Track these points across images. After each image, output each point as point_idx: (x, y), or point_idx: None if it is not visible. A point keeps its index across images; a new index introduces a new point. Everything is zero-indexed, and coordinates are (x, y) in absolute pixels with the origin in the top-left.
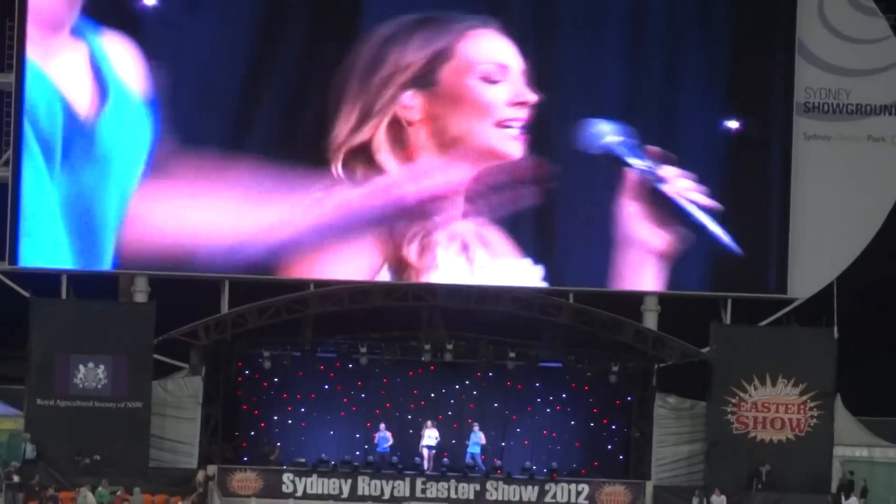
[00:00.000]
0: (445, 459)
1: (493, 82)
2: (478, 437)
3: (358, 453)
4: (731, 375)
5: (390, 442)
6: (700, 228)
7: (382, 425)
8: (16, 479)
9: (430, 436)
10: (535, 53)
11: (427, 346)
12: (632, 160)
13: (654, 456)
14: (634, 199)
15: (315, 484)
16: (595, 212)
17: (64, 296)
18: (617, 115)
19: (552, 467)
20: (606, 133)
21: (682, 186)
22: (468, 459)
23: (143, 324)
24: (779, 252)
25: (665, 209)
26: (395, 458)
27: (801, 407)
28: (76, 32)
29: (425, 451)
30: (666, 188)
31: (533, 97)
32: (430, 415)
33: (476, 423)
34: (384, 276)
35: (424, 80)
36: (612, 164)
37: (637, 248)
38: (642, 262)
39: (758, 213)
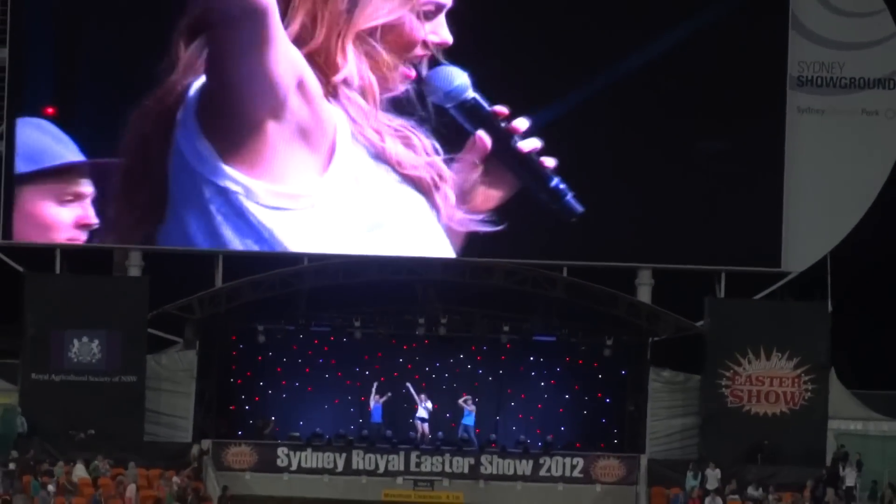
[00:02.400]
0: (440, 433)
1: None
2: (470, 409)
3: (352, 427)
4: (726, 349)
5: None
6: (543, 182)
7: (377, 396)
8: (12, 466)
9: (425, 408)
10: None
11: (421, 320)
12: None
13: (648, 429)
14: (476, 159)
15: (309, 458)
16: None
17: (58, 270)
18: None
19: (546, 441)
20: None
21: (530, 145)
22: (461, 433)
23: (137, 298)
24: (773, 225)
25: (506, 166)
26: (389, 432)
27: (796, 380)
28: None
29: (419, 424)
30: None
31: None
32: (424, 388)
33: (469, 396)
34: None
35: None
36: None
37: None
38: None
39: (751, 186)
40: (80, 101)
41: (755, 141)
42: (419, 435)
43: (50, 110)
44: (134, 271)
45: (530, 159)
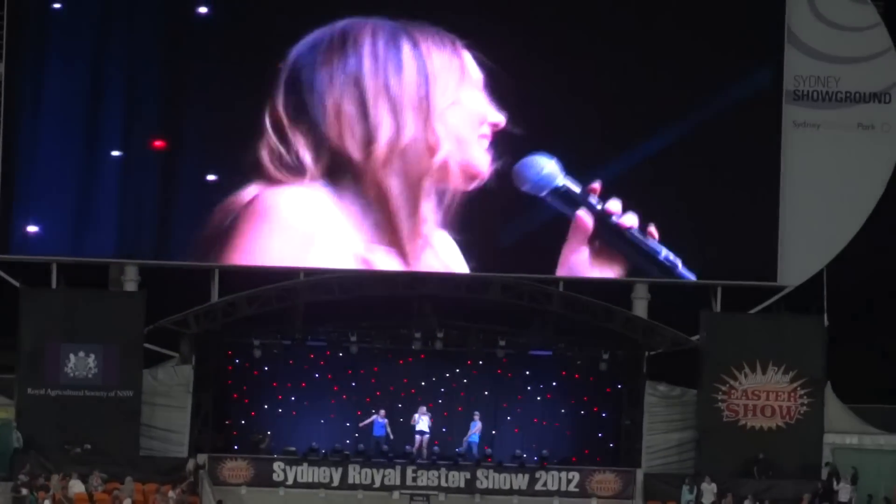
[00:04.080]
0: (436, 447)
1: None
2: (477, 427)
3: (348, 442)
4: (722, 363)
5: (387, 430)
6: (653, 257)
7: (382, 412)
8: (24, 492)
9: (423, 421)
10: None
11: (417, 335)
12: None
13: (644, 444)
14: (582, 242)
15: (306, 472)
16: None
17: (54, 285)
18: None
19: (542, 455)
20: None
21: (629, 221)
22: (465, 448)
23: (133, 313)
24: (769, 240)
25: (613, 246)
26: (385, 446)
27: (792, 394)
28: None
29: (418, 437)
30: (617, 222)
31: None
32: (422, 402)
33: (476, 413)
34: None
35: None
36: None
37: None
38: None
39: (747, 201)
40: None
41: (751, 155)
42: (416, 448)
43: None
44: (130, 286)
45: (634, 235)
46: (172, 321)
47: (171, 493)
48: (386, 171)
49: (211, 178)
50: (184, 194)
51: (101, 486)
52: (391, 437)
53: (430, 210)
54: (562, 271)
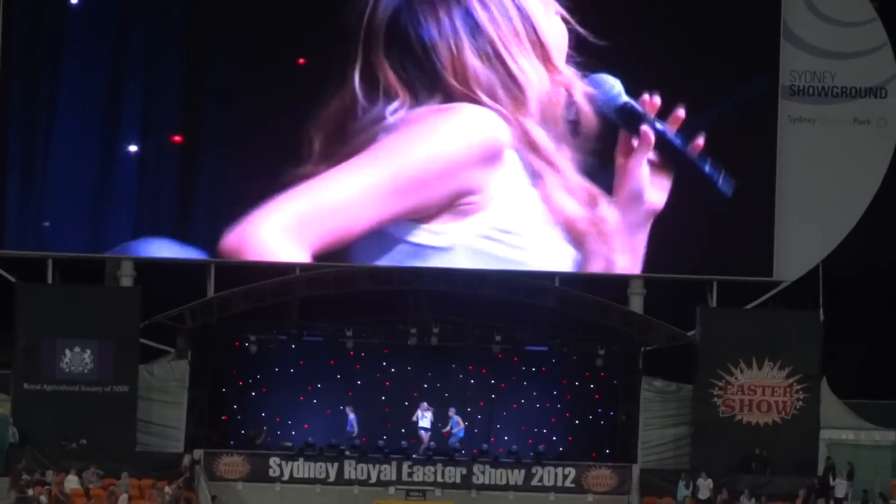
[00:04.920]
0: (432, 443)
1: None
2: (457, 423)
3: (344, 437)
4: (718, 358)
5: (355, 427)
6: (700, 172)
7: (350, 408)
8: (31, 492)
9: (426, 417)
10: None
11: (413, 330)
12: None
13: (640, 439)
14: (644, 156)
15: (302, 468)
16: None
17: (50, 280)
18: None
19: (538, 451)
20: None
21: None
22: (454, 443)
23: (129, 308)
24: (764, 235)
25: (668, 159)
26: (381, 441)
27: (788, 390)
28: None
29: (422, 433)
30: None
31: None
32: (418, 398)
33: (452, 409)
34: None
35: None
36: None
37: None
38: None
39: (743, 196)
40: None
41: (747, 150)
42: (424, 444)
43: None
44: (126, 281)
45: (683, 150)
46: (168, 316)
47: (166, 489)
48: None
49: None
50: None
51: (97, 482)
52: (357, 431)
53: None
54: (626, 182)
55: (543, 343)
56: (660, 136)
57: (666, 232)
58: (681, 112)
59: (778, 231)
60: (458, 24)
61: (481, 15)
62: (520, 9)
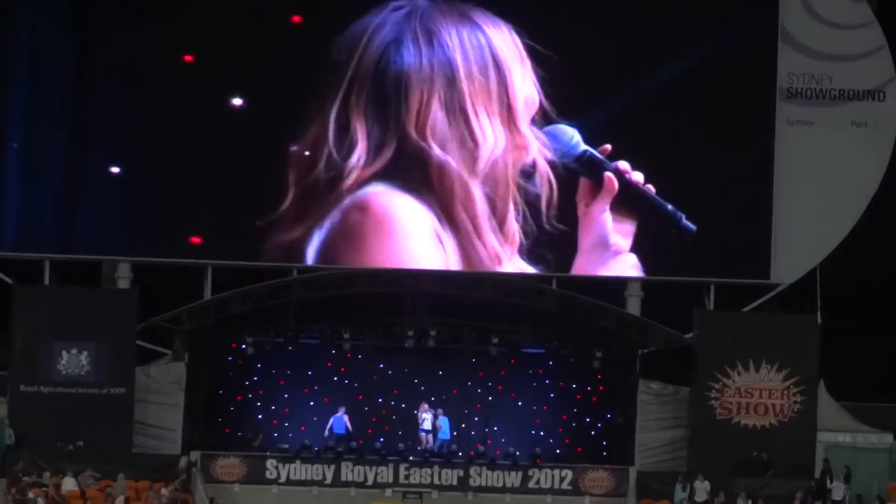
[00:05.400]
0: (429, 445)
1: None
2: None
3: (335, 433)
4: (715, 361)
5: (347, 426)
6: (662, 211)
7: (342, 408)
8: (31, 495)
9: (427, 419)
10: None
11: (410, 332)
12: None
13: (637, 442)
14: (608, 202)
15: (298, 470)
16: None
17: (47, 282)
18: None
19: (535, 453)
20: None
21: (637, 177)
22: (438, 447)
23: (126, 310)
24: (762, 237)
25: (629, 203)
26: (378, 443)
27: (785, 392)
28: None
29: (423, 435)
30: (630, 178)
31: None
32: (415, 400)
33: (439, 410)
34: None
35: None
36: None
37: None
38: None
39: (741, 198)
40: None
41: (744, 153)
42: (424, 445)
43: None
44: (123, 283)
45: (644, 191)
46: (165, 318)
47: (163, 491)
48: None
49: None
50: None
51: (94, 484)
52: (350, 431)
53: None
54: (590, 229)
55: (541, 345)
56: (622, 180)
57: (664, 235)
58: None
59: (775, 233)
60: (437, 71)
61: (461, 68)
62: (499, 70)
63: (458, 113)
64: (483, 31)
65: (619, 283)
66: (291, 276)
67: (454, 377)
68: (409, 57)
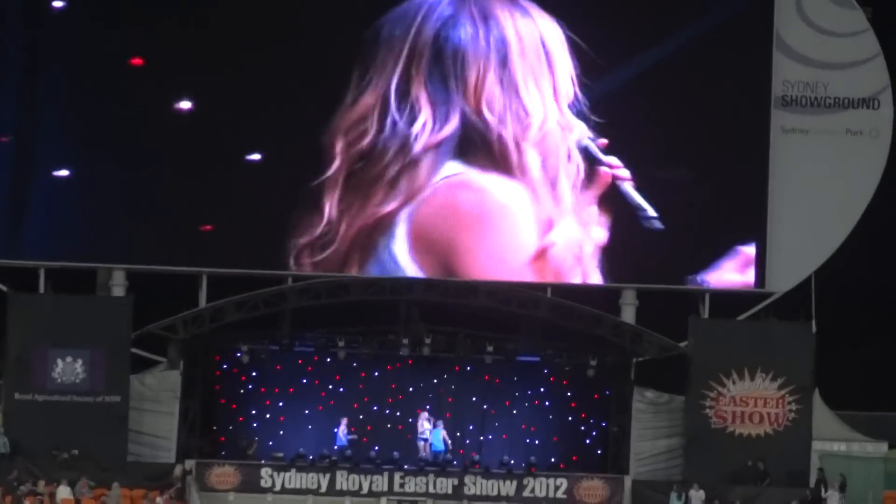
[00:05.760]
0: (423, 454)
1: None
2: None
3: (336, 448)
4: (710, 370)
5: (346, 439)
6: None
7: (344, 421)
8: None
9: (426, 427)
10: None
11: (405, 341)
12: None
13: (632, 450)
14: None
15: (293, 478)
16: None
17: (42, 290)
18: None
19: (530, 461)
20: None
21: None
22: (432, 457)
23: (120, 318)
24: (757, 246)
25: (609, 199)
26: (373, 451)
27: (780, 401)
28: None
29: (421, 443)
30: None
31: None
32: (410, 409)
33: (440, 422)
34: None
35: None
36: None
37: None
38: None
39: (735, 207)
40: None
41: (739, 160)
42: (422, 454)
43: None
44: (118, 291)
45: (626, 190)
46: (160, 326)
47: (158, 499)
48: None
49: None
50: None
51: (89, 492)
52: (350, 444)
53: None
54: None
55: (535, 353)
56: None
57: (658, 243)
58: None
59: (770, 242)
60: (493, 48)
61: (514, 47)
62: (547, 55)
63: (510, 88)
64: (532, 18)
65: (614, 291)
66: (286, 283)
67: (449, 385)
68: (466, 34)
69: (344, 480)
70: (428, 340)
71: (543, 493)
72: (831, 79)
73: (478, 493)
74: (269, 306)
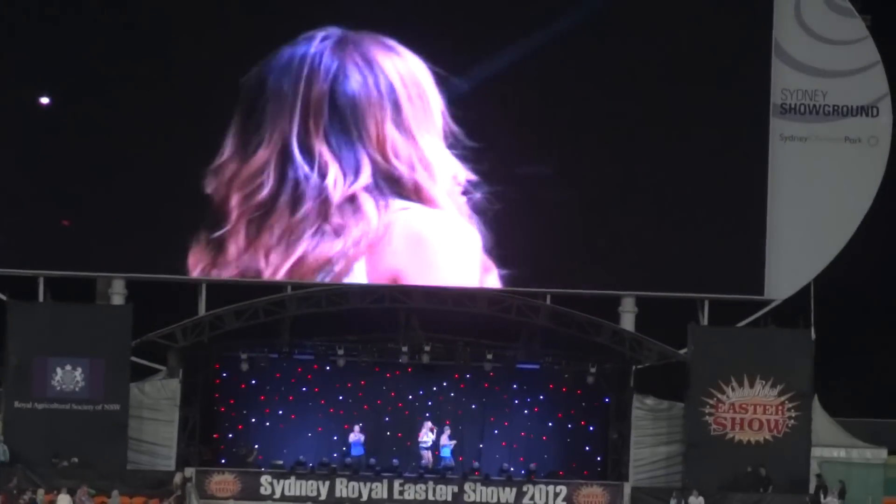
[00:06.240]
0: (424, 462)
1: None
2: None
3: (336, 455)
4: (709, 376)
5: (363, 446)
6: None
7: (357, 427)
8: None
9: (430, 436)
10: None
11: (404, 348)
12: None
13: (631, 457)
14: None
15: (293, 486)
16: None
17: (41, 298)
18: None
19: (530, 469)
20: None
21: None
22: (441, 463)
23: (120, 326)
24: (756, 253)
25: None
26: (372, 461)
27: (779, 408)
28: None
29: (424, 452)
30: None
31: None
32: (409, 417)
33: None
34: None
35: None
36: None
37: None
38: None
39: (734, 214)
40: None
41: (738, 168)
42: (425, 462)
43: None
44: (117, 299)
45: None
46: (160, 335)
47: None
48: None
49: None
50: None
51: (89, 501)
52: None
53: None
54: None
55: (535, 361)
56: None
57: (658, 250)
58: None
59: (769, 249)
60: (385, 96)
61: (401, 92)
62: (425, 93)
63: (408, 134)
64: (403, 57)
65: (614, 299)
66: (286, 292)
67: (448, 393)
68: (357, 84)
69: (343, 488)
70: (427, 348)
71: (543, 500)
72: (830, 87)
73: (477, 500)
74: (268, 314)
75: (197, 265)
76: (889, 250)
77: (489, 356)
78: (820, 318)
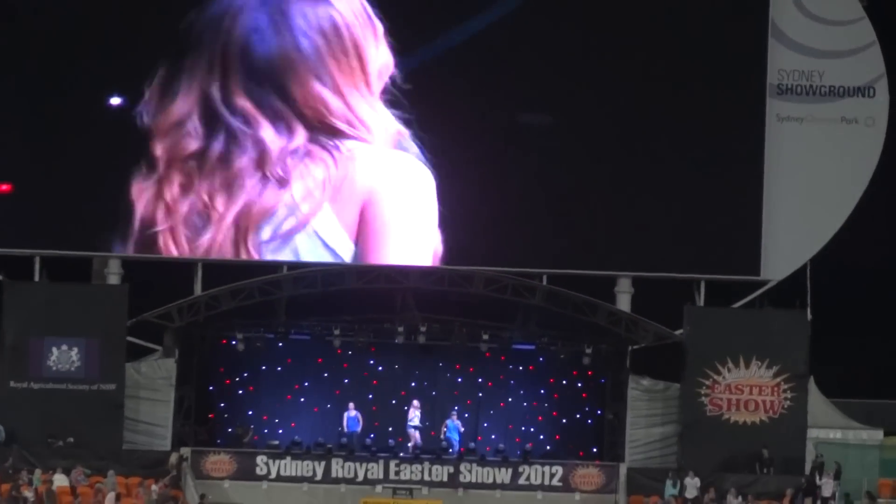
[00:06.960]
0: (411, 442)
1: None
2: (455, 425)
3: (331, 435)
4: (705, 357)
5: (360, 423)
6: None
7: (351, 405)
8: (28, 494)
9: (416, 416)
10: None
11: (400, 329)
12: None
13: (627, 438)
14: None
15: (289, 466)
16: None
17: (37, 278)
18: None
19: (525, 449)
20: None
21: None
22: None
23: (116, 306)
24: (752, 234)
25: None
26: (368, 439)
27: (775, 389)
28: None
29: (412, 432)
30: None
31: None
32: (405, 397)
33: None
34: None
35: None
36: None
37: None
38: None
39: (731, 194)
40: None
41: (735, 149)
42: (413, 442)
43: None
44: (113, 279)
45: None
46: (155, 315)
47: (153, 487)
48: None
49: None
50: None
51: (85, 480)
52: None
53: None
54: None
55: (531, 341)
56: None
57: (654, 230)
58: None
59: (766, 230)
60: (305, 55)
61: (324, 49)
62: (354, 43)
63: (337, 93)
64: (331, 4)
65: (610, 280)
66: (281, 271)
67: (444, 373)
68: (275, 44)
69: (339, 468)
70: (423, 329)
71: (539, 481)
72: (827, 67)
73: (473, 480)
74: (264, 294)
75: (140, 195)
76: (885, 231)
77: (485, 337)
78: (816, 299)
